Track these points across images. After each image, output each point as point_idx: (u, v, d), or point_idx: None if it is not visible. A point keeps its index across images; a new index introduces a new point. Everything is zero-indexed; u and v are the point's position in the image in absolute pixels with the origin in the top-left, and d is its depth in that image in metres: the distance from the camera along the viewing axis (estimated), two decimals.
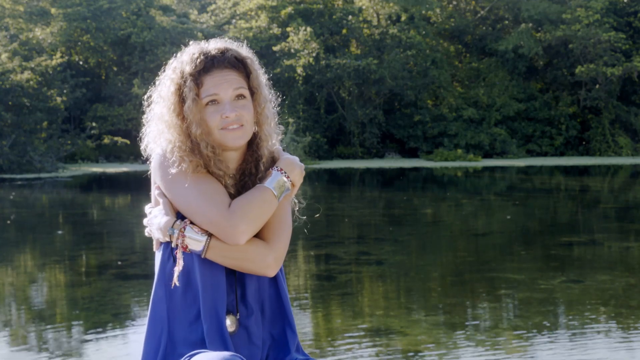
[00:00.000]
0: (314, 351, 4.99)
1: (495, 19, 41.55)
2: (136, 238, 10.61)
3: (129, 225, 12.38)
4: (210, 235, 1.99)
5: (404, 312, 6.13)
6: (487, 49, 40.09)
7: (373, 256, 8.94)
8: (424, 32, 38.82)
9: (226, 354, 1.86)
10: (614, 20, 38.33)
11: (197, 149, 2.04)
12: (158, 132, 2.11)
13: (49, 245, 10.31)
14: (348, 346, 5.11)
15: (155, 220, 2.06)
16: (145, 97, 2.17)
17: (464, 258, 8.95)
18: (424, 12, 39.22)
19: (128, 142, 32.71)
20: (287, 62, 35.61)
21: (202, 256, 2.00)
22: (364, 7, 39.40)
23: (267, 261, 2.02)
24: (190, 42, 2.12)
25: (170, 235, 2.01)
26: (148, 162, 2.15)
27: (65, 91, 31.39)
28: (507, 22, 41.20)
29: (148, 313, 2.07)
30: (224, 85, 2.04)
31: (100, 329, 5.63)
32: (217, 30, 38.64)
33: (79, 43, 37.45)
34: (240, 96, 2.07)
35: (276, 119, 2.19)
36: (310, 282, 7.53)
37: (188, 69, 2.05)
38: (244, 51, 2.12)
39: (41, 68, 30.15)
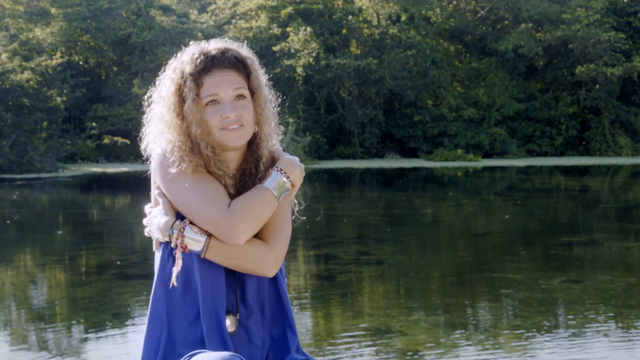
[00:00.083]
0: (314, 351, 4.99)
1: (495, 19, 41.55)
2: (136, 238, 10.61)
3: (129, 225, 12.38)
4: (209, 235, 1.99)
5: (404, 312, 6.13)
6: (487, 49, 40.09)
7: (373, 256, 8.94)
8: (424, 32, 38.83)
9: (226, 354, 1.86)
10: (614, 20, 38.34)
11: (197, 149, 2.04)
12: (158, 132, 2.11)
13: (49, 245, 10.32)
14: (348, 346, 5.11)
15: (154, 220, 2.06)
16: (145, 97, 2.17)
17: (464, 258, 8.95)
18: (424, 12, 39.22)
19: (128, 142, 32.71)
20: (287, 62, 35.62)
21: (202, 256, 2.00)
22: (364, 7, 39.40)
23: (266, 261, 2.02)
24: (191, 42, 2.12)
25: (169, 235, 2.01)
26: (148, 162, 2.15)
27: (65, 91, 31.39)
28: (507, 22, 41.20)
29: (148, 313, 2.07)
30: (224, 86, 2.04)
31: (100, 329, 5.63)
32: (217, 30, 38.64)
33: (79, 43, 37.45)
34: (241, 96, 2.07)
35: (276, 119, 2.19)
36: (310, 282, 7.53)
37: (188, 69, 2.05)
38: (244, 51, 2.12)
39: (41, 68, 30.15)
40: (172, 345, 2.03)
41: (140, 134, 2.18)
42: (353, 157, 36.93)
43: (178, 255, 2.00)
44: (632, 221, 12.62)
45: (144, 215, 2.15)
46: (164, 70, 2.13)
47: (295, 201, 2.24)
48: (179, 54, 2.11)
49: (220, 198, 2.02)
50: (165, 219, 2.02)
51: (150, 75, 32.43)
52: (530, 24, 39.07)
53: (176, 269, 2.00)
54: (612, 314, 5.95)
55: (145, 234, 2.14)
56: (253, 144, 2.14)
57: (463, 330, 5.53)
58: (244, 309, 2.07)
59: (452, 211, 14.63)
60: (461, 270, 8.07)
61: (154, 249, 2.12)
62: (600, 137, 38.29)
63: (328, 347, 5.08)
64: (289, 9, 37.54)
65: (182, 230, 1.99)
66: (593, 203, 16.18)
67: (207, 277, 2.02)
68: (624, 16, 39.65)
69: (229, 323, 2.04)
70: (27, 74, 29.07)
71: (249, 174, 2.12)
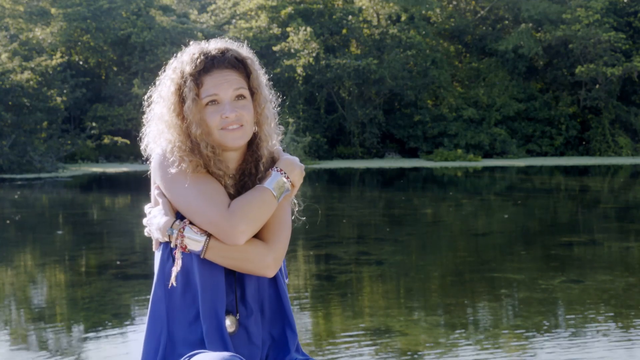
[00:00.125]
0: (314, 351, 4.99)
1: (495, 19, 41.56)
2: (136, 238, 10.61)
3: (129, 225, 12.38)
4: (209, 235, 1.99)
5: (404, 312, 6.13)
6: (487, 49, 40.10)
7: (373, 256, 8.94)
8: (424, 32, 38.83)
9: (226, 354, 1.86)
10: (614, 20, 38.34)
11: (197, 149, 2.04)
12: (158, 132, 2.11)
13: (49, 245, 10.31)
14: (348, 346, 5.12)
15: (154, 220, 2.06)
16: (145, 97, 2.17)
17: (464, 258, 8.95)
18: (424, 12, 39.23)
19: (128, 142, 32.71)
20: (287, 62, 35.62)
21: (201, 256, 2.00)
22: (364, 7, 39.40)
23: (266, 261, 2.02)
24: (191, 42, 2.12)
25: (169, 236, 2.01)
26: (148, 162, 2.15)
27: (65, 91, 31.39)
28: (507, 22, 41.20)
29: (148, 313, 2.07)
30: (224, 86, 2.04)
31: (100, 329, 5.63)
32: (217, 30, 38.64)
33: (79, 43, 37.45)
34: (241, 96, 2.07)
35: (276, 119, 2.19)
36: (310, 282, 7.53)
37: (188, 69, 2.05)
38: (244, 51, 2.12)
39: (41, 68, 30.15)
40: (172, 345, 2.03)
41: (140, 134, 2.18)
42: (353, 157, 36.93)
43: (178, 255, 2.00)
44: (632, 221, 12.62)
45: (144, 215, 2.15)
46: (164, 70, 2.13)
47: (295, 201, 2.24)
48: (179, 54, 2.11)
49: (220, 198, 2.02)
50: (165, 219, 2.03)
51: (150, 75, 32.43)
52: (530, 24, 39.07)
53: (176, 269, 2.01)
54: (612, 314, 5.95)
55: (145, 234, 2.14)
56: (253, 144, 2.14)
57: (463, 330, 5.53)
58: (244, 309, 2.07)
59: (452, 211, 14.63)
60: (461, 270, 8.07)
61: (153, 249, 2.12)
62: (600, 137, 38.29)
63: (328, 347, 5.08)
64: (289, 9, 37.54)
65: (181, 230, 1.99)
66: (593, 203, 16.18)
67: (206, 277, 2.02)
68: (624, 16, 39.65)
69: (229, 323, 2.04)
70: (27, 74, 29.07)
71: (248, 174, 2.12)
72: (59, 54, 33.66)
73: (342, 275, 7.72)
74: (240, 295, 2.07)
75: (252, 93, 2.11)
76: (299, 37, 35.81)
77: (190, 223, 2.01)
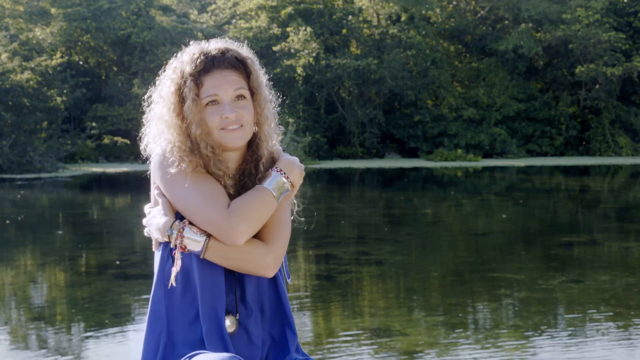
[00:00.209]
0: (314, 351, 4.99)
1: (495, 19, 41.55)
2: (136, 238, 10.61)
3: (129, 225, 12.38)
4: (209, 235, 1.99)
5: (404, 312, 6.13)
6: (487, 49, 40.09)
7: (373, 256, 8.94)
8: (424, 32, 38.82)
9: (225, 355, 1.86)
10: (614, 20, 38.33)
11: (197, 149, 2.04)
12: (158, 132, 2.11)
13: (49, 245, 10.31)
14: (348, 346, 5.12)
15: (154, 220, 2.06)
16: (145, 97, 2.17)
17: (464, 258, 8.95)
18: (424, 12, 39.22)
19: (128, 142, 32.71)
20: (287, 62, 35.62)
21: (201, 257, 2.00)
22: (364, 7, 39.40)
23: (265, 262, 2.02)
24: (191, 42, 2.12)
25: (169, 236, 2.01)
26: (148, 162, 2.15)
27: (65, 91, 31.39)
28: (507, 22, 41.19)
29: (147, 313, 2.07)
30: (224, 86, 2.04)
31: (100, 329, 5.63)
32: (217, 30, 38.64)
33: (79, 43, 37.45)
34: (241, 96, 2.07)
35: (276, 120, 2.19)
36: (310, 282, 7.53)
37: (188, 69, 2.05)
38: (245, 51, 2.12)
39: (41, 68, 30.14)
40: (171, 345, 2.03)
41: (140, 134, 2.18)
42: (353, 157, 36.92)
43: (177, 255, 2.00)
44: (632, 221, 12.62)
45: (144, 215, 2.15)
46: (164, 70, 2.13)
47: (295, 201, 2.24)
48: (179, 54, 2.11)
49: (220, 198, 2.01)
50: (165, 219, 2.02)
51: (150, 75, 32.43)
52: (530, 24, 39.07)
53: (175, 269, 2.00)
54: (612, 314, 5.95)
55: (145, 234, 2.14)
56: (253, 144, 2.14)
57: (463, 330, 5.53)
58: (244, 309, 2.07)
59: (452, 211, 14.63)
60: (461, 270, 8.07)
61: (153, 249, 2.12)
62: (600, 137, 38.29)
63: (328, 347, 5.08)
64: (289, 9, 37.53)
65: (181, 230, 1.99)
66: (593, 203, 16.18)
67: (206, 277, 2.02)
68: (624, 16, 39.65)
69: (229, 323, 2.04)
70: (27, 74, 29.06)
71: (248, 174, 2.12)
72: (59, 54, 33.66)
73: (342, 275, 7.72)
74: (240, 295, 2.07)
75: (252, 93, 2.11)
76: (299, 37, 35.81)
77: (190, 223, 2.01)
